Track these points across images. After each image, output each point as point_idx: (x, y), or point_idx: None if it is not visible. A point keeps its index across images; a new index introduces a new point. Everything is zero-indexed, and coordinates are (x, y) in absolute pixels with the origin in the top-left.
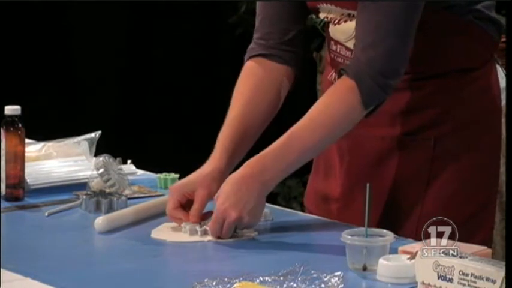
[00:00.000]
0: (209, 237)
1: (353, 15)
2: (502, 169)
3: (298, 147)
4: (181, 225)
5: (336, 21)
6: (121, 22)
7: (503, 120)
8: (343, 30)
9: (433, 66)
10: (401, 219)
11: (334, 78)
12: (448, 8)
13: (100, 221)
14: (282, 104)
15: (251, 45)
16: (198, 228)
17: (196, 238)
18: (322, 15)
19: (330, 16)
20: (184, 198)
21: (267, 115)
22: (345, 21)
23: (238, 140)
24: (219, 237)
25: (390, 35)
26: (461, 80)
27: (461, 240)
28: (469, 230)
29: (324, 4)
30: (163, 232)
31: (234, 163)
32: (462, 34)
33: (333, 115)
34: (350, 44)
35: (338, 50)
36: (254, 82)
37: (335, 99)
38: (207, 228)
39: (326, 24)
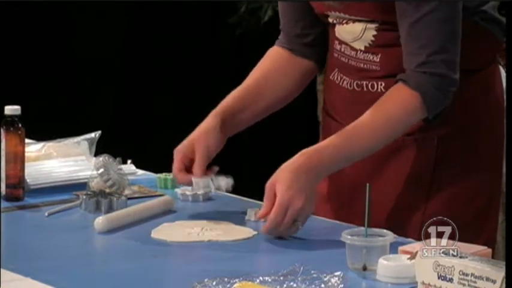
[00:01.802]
0: (209, 237)
1: (360, 20)
2: (504, 169)
3: (357, 146)
4: (193, 179)
5: (344, 22)
6: (121, 22)
7: (505, 121)
8: (350, 31)
9: None
10: (405, 219)
11: (337, 78)
12: None
13: (100, 221)
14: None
15: (279, 37)
16: (211, 184)
17: (196, 238)
18: (330, 19)
19: (338, 19)
20: (187, 159)
21: (283, 94)
22: (353, 22)
23: (241, 102)
24: (268, 230)
25: (446, 47)
26: (465, 81)
27: (465, 240)
28: (473, 230)
29: (333, 12)
30: (163, 232)
31: (233, 124)
32: (468, 35)
33: (393, 119)
34: (356, 45)
35: (343, 49)
36: (277, 62)
37: (396, 105)
38: (221, 183)
39: (331, 25)
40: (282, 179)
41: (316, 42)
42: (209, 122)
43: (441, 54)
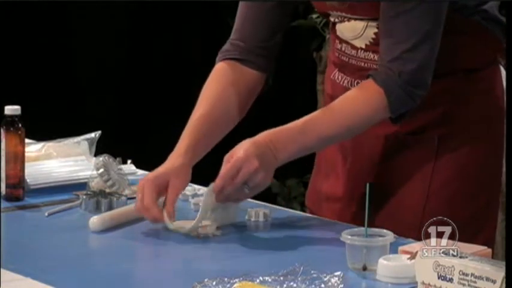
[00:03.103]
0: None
1: (362, 19)
2: (503, 169)
3: (315, 133)
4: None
5: (346, 20)
6: (121, 22)
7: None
8: (351, 28)
9: (439, 66)
10: (404, 218)
11: (338, 77)
12: (456, 9)
13: (95, 220)
14: (282, 104)
15: (226, 47)
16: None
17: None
18: (332, 18)
19: (339, 18)
20: (157, 191)
21: (233, 117)
22: (355, 20)
23: (202, 139)
24: (220, 193)
25: (421, 47)
26: (465, 80)
27: (464, 239)
28: (472, 229)
29: (335, 12)
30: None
31: (195, 161)
32: (469, 35)
33: (355, 112)
34: (356, 43)
35: (343, 48)
36: (224, 84)
37: (361, 99)
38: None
39: (332, 24)
40: (239, 148)
41: (272, 50)
42: (181, 160)
43: (414, 53)
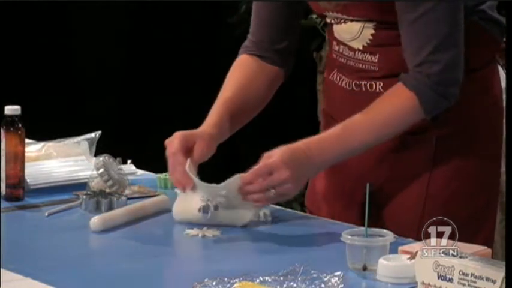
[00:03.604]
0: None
1: (358, 20)
2: (503, 169)
3: (351, 141)
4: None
5: (342, 21)
6: (121, 22)
7: (504, 121)
8: (348, 30)
9: None
10: (403, 218)
11: (336, 78)
12: None
13: (96, 220)
14: (282, 104)
15: (246, 43)
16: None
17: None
18: (328, 20)
19: (335, 19)
20: (186, 145)
21: (256, 105)
22: (351, 21)
23: (228, 120)
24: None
25: (444, 47)
26: (464, 80)
27: (463, 239)
28: (471, 229)
29: (330, 13)
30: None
31: (220, 140)
32: (467, 35)
33: (390, 118)
34: (354, 44)
35: (341, 50)
36: (248, 72)
37: (394, 105)
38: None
39: (329, 25)
40: (278, 153)
41: (288, 50)
42: (211, 130)
43: (438, 55)
